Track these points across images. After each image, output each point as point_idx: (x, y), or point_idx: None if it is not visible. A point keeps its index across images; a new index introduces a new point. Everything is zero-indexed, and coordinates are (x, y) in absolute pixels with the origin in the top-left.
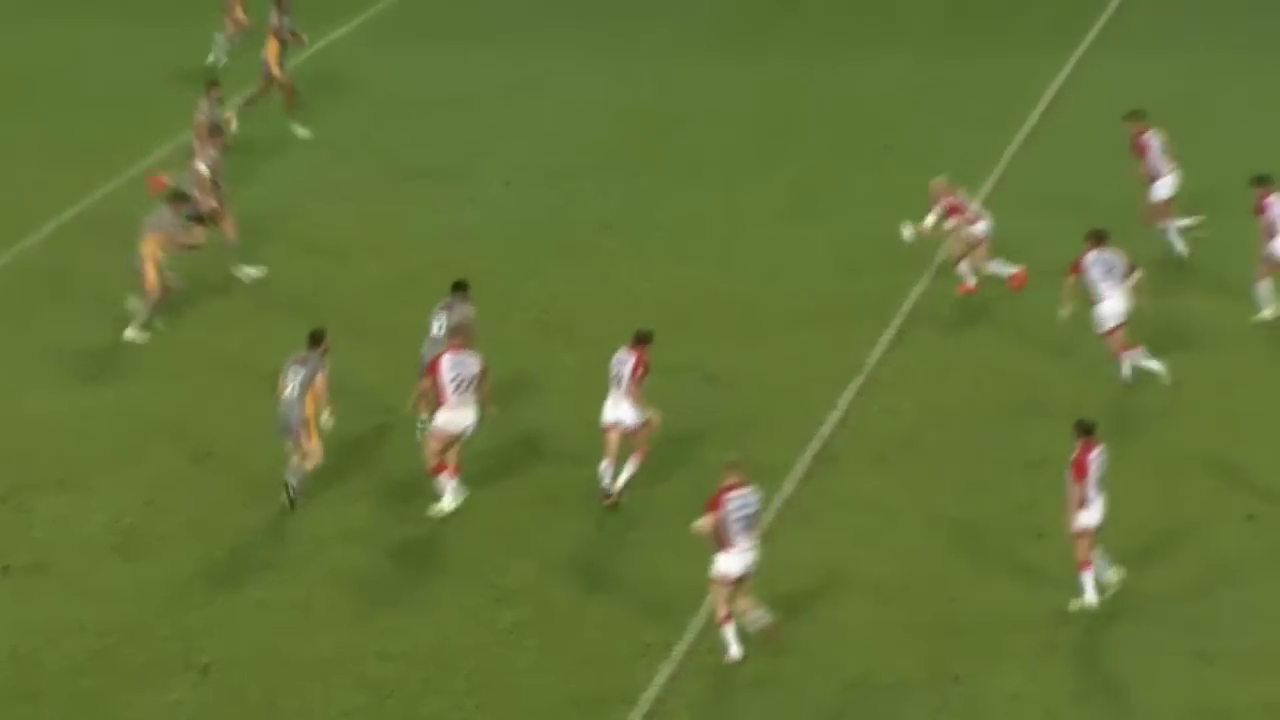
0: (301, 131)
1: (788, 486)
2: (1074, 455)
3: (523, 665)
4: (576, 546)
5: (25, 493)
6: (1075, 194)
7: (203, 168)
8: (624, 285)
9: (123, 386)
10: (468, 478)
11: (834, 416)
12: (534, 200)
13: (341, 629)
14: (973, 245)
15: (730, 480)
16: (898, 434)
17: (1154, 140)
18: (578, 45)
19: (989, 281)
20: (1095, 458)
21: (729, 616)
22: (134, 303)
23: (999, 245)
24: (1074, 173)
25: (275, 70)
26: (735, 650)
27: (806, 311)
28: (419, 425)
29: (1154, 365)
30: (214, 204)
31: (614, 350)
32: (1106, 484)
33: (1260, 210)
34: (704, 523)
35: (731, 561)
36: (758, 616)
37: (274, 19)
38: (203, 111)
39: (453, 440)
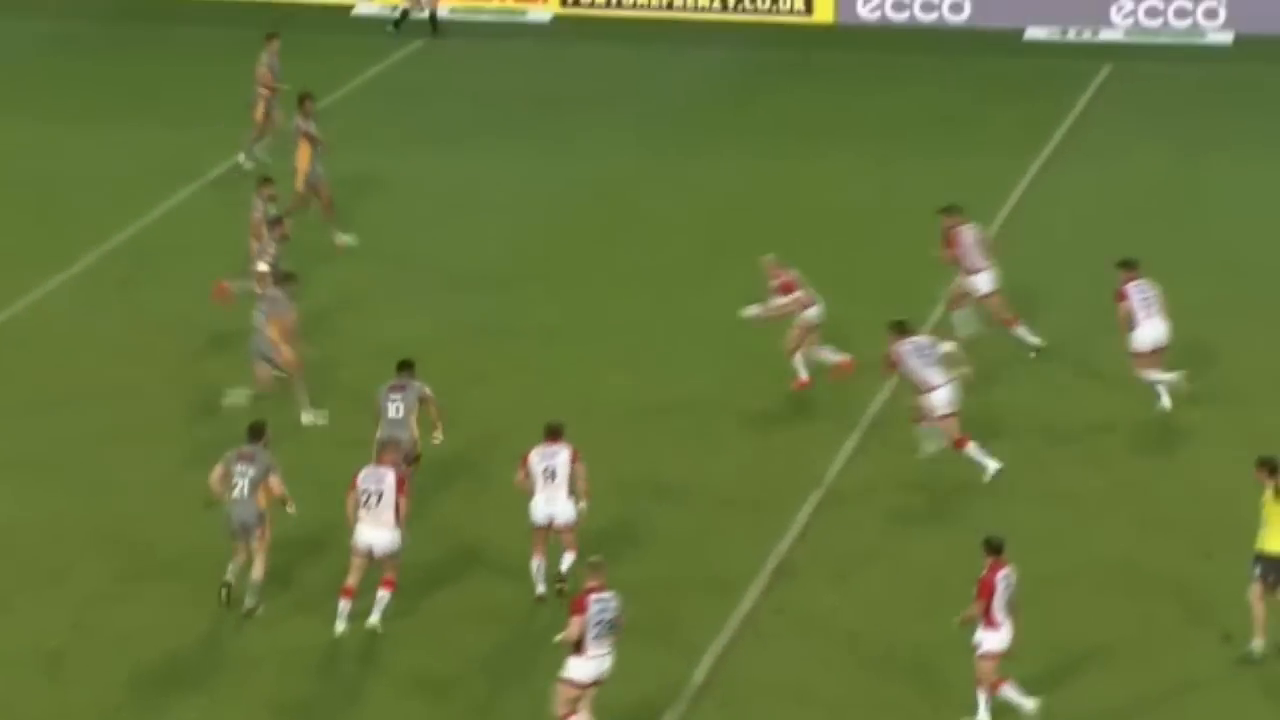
0: (345, 239)
1: (744, 603)
2: (981, 574)
3: None
4: (519, 662)
5: None
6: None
7: (264, 266)
8: (572, 394)
9: (51, 500)
10: (407, 588)
11: (792, 530)
12: (478, 307)
13: None
14: (807, 331)
15: (592, 582)
16: (858, 549)
17: (968, 234)
18: (519, 148)
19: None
20: (1003, 577)
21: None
22: (234, 396)
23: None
24: (1036, 273)
25: (300, 180)
26: None
27: (762, 419)
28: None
29: None
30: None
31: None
32: (1016, 608)
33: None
34: (571, 629)
35: (584, 666)
36: None
37: (299, 122)
38: (257, 209)
39: (368, 559)
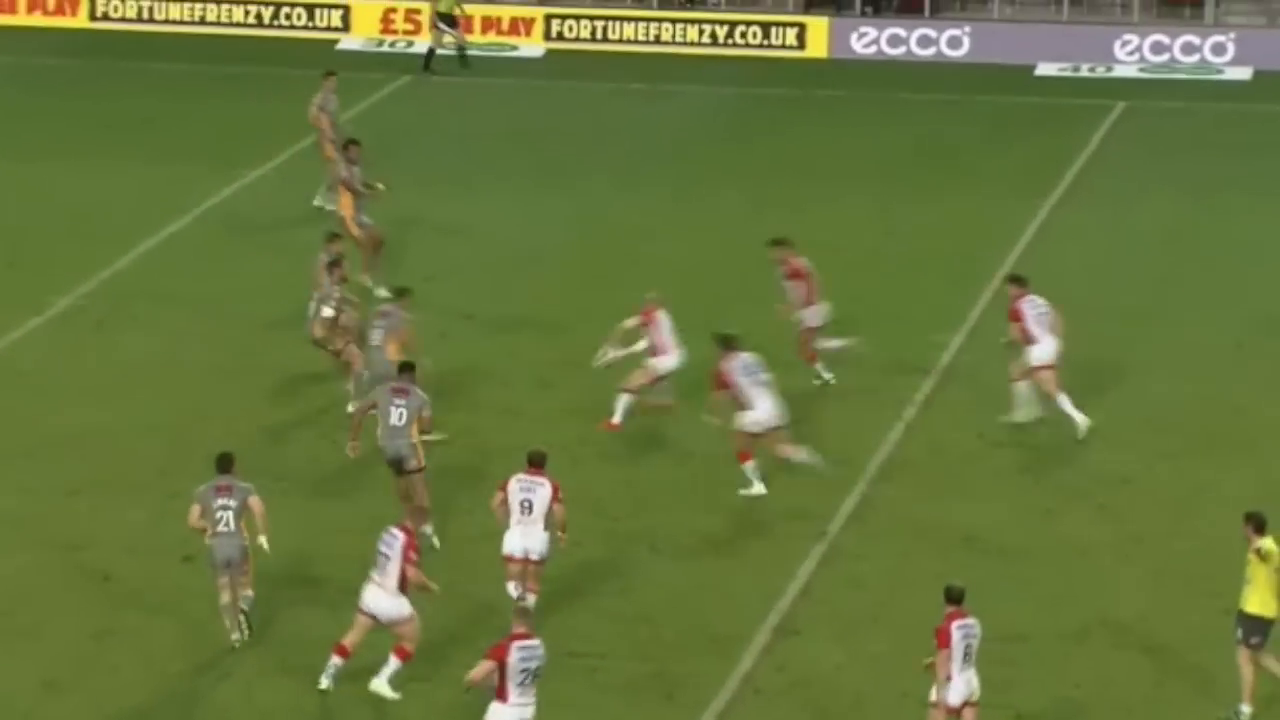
0: (380, 291)
1: (745, 662)
2: (940, 624)
3: None
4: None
5: None
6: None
7: (329, 312)
8: (564, 439)
9: (17, 558)
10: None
11: (794, 587)
12: (471, 351)
13: None
14: (652, 379)
15: (518, 629)
16: (863, 607)
17: (807, 267)
18: (515, 189)
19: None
20: (960, 627)
21: None
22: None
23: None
24: None
25: (351, 226)
26: None
27: (762, 471)
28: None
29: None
30: (339, 346)
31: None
32: (975, 660)
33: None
34: (478, 670)
35: (507, 713)
36: None
37: (343, 171)
38: (321, 261)
39: (373, 623)
